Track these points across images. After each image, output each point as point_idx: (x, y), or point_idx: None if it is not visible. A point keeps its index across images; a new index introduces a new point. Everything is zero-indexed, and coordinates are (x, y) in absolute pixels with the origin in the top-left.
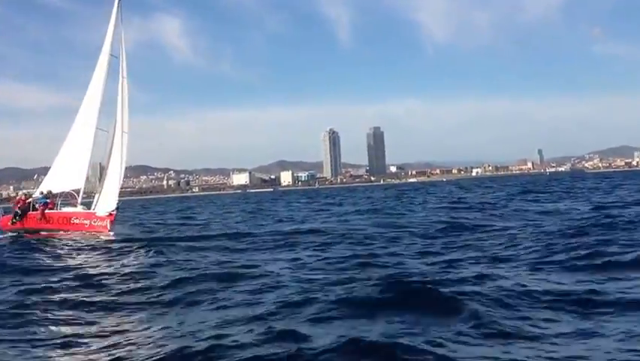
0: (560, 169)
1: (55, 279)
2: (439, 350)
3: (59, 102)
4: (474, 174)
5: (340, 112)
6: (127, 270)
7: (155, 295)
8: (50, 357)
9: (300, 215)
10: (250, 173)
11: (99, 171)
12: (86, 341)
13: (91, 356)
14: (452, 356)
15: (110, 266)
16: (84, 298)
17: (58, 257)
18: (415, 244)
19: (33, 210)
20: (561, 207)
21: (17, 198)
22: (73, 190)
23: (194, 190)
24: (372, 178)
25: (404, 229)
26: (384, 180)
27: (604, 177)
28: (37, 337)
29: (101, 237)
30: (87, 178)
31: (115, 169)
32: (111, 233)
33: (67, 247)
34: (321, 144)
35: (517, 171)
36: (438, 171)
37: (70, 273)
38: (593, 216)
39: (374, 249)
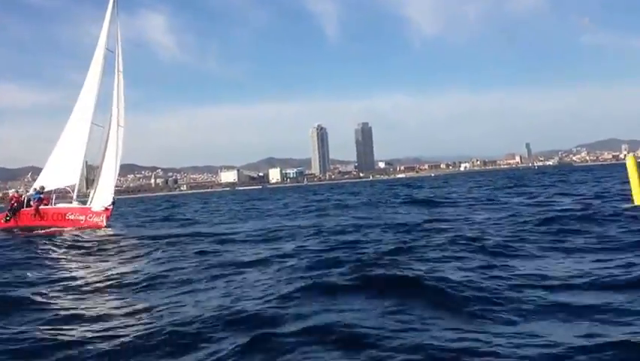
0: (547, 163)
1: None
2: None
3: (44, 101)
4: (462, 168)
5: (328, 108)
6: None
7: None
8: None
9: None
10: (238, 170)
11: (86, 170)
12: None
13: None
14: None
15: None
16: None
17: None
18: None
19: (27, 207)
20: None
21: (10, 195)
22: (68, 186)
23: (181, 188)
24: (361, 174)
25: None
26: (372, 177)
27: (590, 170)
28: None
29: (99, 232)
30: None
31: (110, 163)
32: (108, 229)
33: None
34: (309, 140)
35: (506, 166)
36: (426, 166)
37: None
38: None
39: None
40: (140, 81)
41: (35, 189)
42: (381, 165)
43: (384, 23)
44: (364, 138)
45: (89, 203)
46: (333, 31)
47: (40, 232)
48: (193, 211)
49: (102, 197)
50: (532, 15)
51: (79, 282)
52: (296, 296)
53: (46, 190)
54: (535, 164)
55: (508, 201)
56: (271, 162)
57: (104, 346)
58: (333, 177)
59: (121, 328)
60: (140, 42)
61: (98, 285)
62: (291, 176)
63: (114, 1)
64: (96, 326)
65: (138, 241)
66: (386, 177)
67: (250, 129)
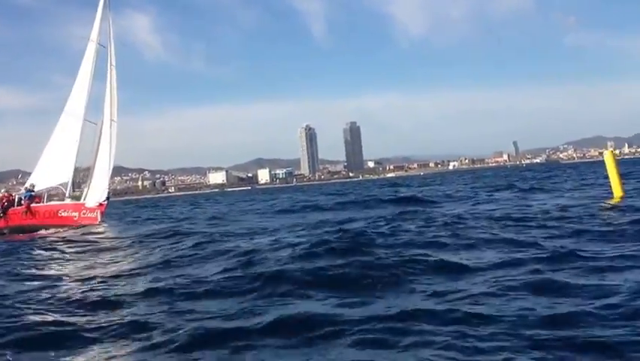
0: (535, 160)
1: None
2: None
3: (28, 103)
4: (451, 167)
5: (316, 108)
6: None
7: None
8: None
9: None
10: (227, 172)
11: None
12: None
13: None
14: None
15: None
16: None
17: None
18: None
19: (18, 206)
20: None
21: (0, 195)
22: (60, 184)
23: (169, 190)
24: (351, 174)
25: None
26: (362, 176)
27: (575, 167)
28: None
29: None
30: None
31: (104, 159)
32: (104, 225)
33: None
34: (297, 140)
35: (494, 164)
36: (415, 165)
37: None
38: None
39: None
40: (126, 82)
41: (26, 187)
42: (371, 164)
43: (371, 23)
44: (353, 137)
45: (82, 199)
46: (321, 30)
47: (36, 234)
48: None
49: (96, 192)
50: (517, 15)
51: None
52: None
53: (38, 189)
54: (523, 162)
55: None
56: (260, 163)
57: None
58: (322, 177)
59: None
60: (125, 42)
61: None
62: (280, 177)
63: None
64: None
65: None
66: (375, 177)
67: (238, 130)
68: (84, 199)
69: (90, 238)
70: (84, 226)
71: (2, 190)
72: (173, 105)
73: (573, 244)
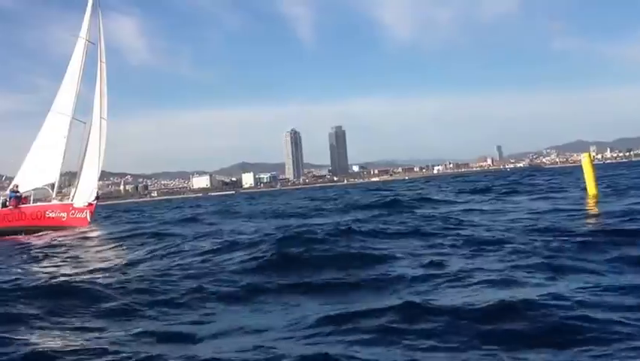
0: (518, 165)
1: None
2: None
3: (6, 107)
4: (435, 171)
5: (302, 112)
6: None
7: None
8: None
9: None
10: (211, 176)
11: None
12: None
13: None
14: None
15: None
16: None
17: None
18: None
19: (4, 208)
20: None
21: None
22: (46, 185)
23: (152, 195)
24: (335, 178)
25: None
26: (347, 180)
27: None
28: None
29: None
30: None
31: (93, 157)
32: (93, 227)
33: None
34: (282, 144)
35: (478, 168)
36: (400, 169)
37: None
38: None
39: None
40: (110, 85)
41: (11, 189)
42: (356, 168)
43: (358, 27)
44: (338, 141)
45: (70, 199)
46: (308, 35)
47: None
48: None
49: (85, 192)
50: (503, 21)
51: None
52: None
53: (24, 190)
54: (507, 166)
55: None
56: (244, 167)
57: None
58: (307, 181)
59: None
60: (110, 46)
61: None
62: (265, 181)
63: None
64: None
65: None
66: (360, 181)
67: (223, 134)
68: (72, 199)
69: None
70: (73, 227)
71: None
72: (158, 109)
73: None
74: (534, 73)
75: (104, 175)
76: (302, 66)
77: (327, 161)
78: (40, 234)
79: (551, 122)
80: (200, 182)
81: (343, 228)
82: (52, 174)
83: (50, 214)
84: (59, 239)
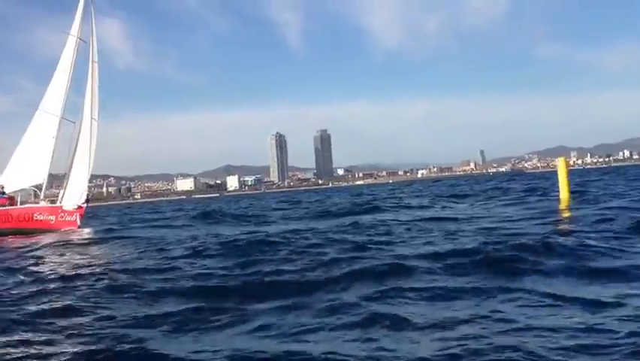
0: (501, 169)
1: None
2: None
3: None
4: (419, 175)
5: (287, 116)
6: None
7: None
8: None
9: None
10: (195, 178)
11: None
12: None
13: None
14: None
15: None
16: None
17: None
18: None
19: None
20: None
21: None
22: (33, 186)
23: (135, 197)
24: (320, 181)
25: None
26: (332, 183)
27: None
28: None
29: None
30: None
31: (83, 158)
32: (85, 230)
33: None
34: (268, 148)
35: (461, 172)
36: (385, 173)
37: None
38: None
39: None
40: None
41: None
42: (340, 171)
43: (346, 34)
44: (323, 145)
45: (59, 201)
46: (296, 40)
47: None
48: None
49: (74, 194)
50: (488, 28)
51: None
52: None
53: (10, 191)
54: (490, 170)
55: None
56: (229, 170)
57: None
58: (292, 184)
59: None
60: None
61: None
62: (250, 183)
63: None
64: None
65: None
66: (345, 184)
67: (208, 137)
68: (60, 201)
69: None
70: (62, 230)
71: None
72: (143, 111)
73: None
74: (517, 79)
75: None
76: (288, 70)
77: (312, 164)
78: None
79: (534, 127)
80: (184, 184)
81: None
82: (39, 175)
83: (38, 217)
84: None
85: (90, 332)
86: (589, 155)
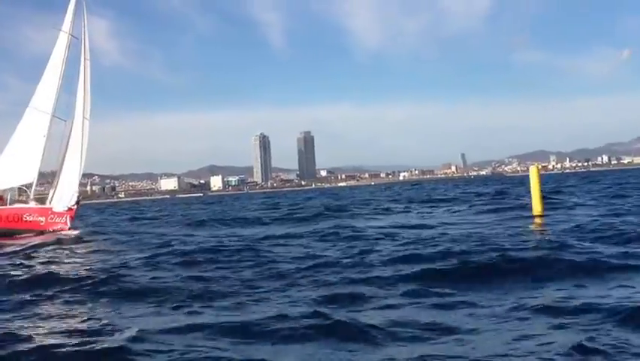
0: (481, 173)
1: None
2: None
3: None
4: (401, 178)
5: (271, 117)
6: None
7: None
8: None
9: None
10: (179, 178)
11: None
12: None
13: None
14: None
15: None
16: None
17: None
18: None
19: None
20: None
21: None
22: (23, 185)
23: (120, 196)
24: (303, 182)
25: None
26: (314, 185)
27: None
28: None
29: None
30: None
31: (74, 158)
32: (74, 231)
33: None
34: (251, 148)
35: (442, 175)
36: (367, 175)
37: None
38: None
39: None
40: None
41: None
42: (323, 173)
43: (328, 35)
44: (307, 146)
45: (48, 202)
46: (278, 41)
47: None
48: None
49: (65, 195)
50: (467, 33)
51: None
52: None
53: (0, 189)
54: (471, 173)
55: None
56: (213, 170)
57: None
58: (275, 185)
59: None
60: (75, 47)
61: None
62: (233, 184)
63: None
64: None
65: None
66: (328, 185)
67: (192, 137)
68: (50, 202)
69: None
70: (52, 231)
71: None
72: (128, 111)
73: None
74: (498, 84)
75: None
76: (272, 71)
77: (296, 165)
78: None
79: (514, 132)
80: (168, 184)
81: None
82: (29, 174)
83: (28, 218)
84: None
85: None
86: (568, 159)
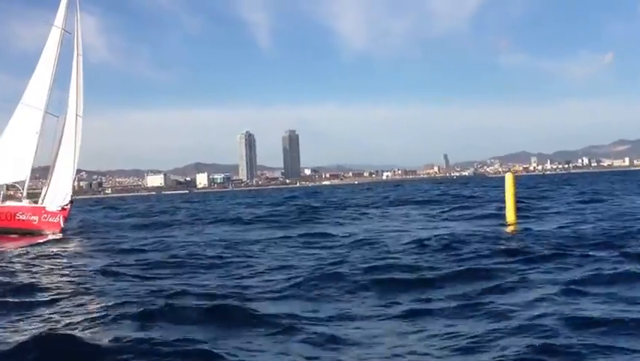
0: (464, 173)
1: None
2: None
3: None
4: (384, 177)
5: (257, 115)
6: None
7: None
8: None
9: None
10: (165, 175)
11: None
12: None
13: None
14: None
15: None
16: None
17: None
18: None
19: None
20: None
21: None
22: (16, 182)
23: (106, 192)
24: (288, 181)
25: None
26: (299, 183)
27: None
28: None
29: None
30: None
31: (67, 157)
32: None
33: None
34: (237, 146)
35: (425, 175)
36: (350, 174)
37: None
38: None
39: None
40: (65, 82)
41: None
42: (308, 172)
43: (315, 35)
44: (292, 145)
45: (41, 200)
46: (266, 41)
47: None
48: None
49: (58, 195)
50: (452, 35)
51: None
52: None
53: None
54: (453, 174)
55: None
56: (198, 167)
57: None
58: (260, 183)
59: None
60: (67, 42)
61: None
62: (218, 181)
63: None
64: None
65: None
66: (312, 184)
67: (178, 134)
68: (42, 200)
69: None
70: (45, 231)
71: None
72: (114, 107)
73: None
74: (482, 86)
75: None
76: (259, 70)
77: (281, 164)
78: None
79: (496, 133)
80: (155, 180)
81: None
82: (22, 172)
83: (21, 217)
84: None
85: None
86: (549, 161)
